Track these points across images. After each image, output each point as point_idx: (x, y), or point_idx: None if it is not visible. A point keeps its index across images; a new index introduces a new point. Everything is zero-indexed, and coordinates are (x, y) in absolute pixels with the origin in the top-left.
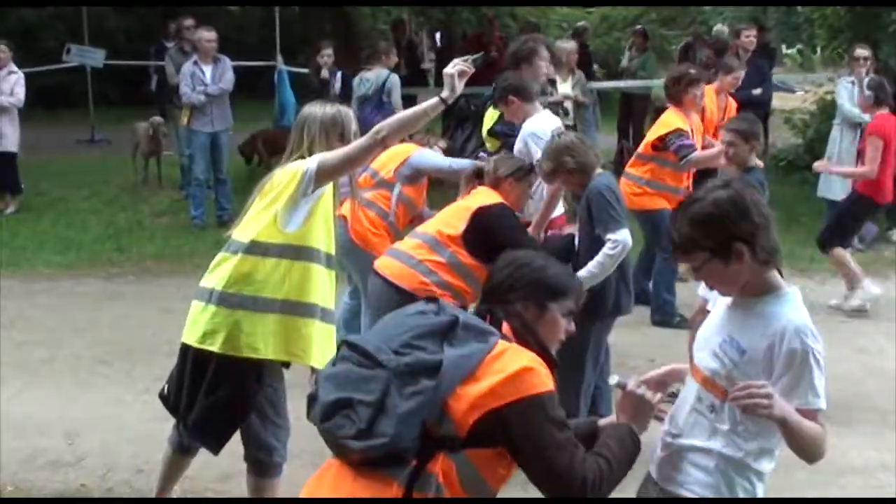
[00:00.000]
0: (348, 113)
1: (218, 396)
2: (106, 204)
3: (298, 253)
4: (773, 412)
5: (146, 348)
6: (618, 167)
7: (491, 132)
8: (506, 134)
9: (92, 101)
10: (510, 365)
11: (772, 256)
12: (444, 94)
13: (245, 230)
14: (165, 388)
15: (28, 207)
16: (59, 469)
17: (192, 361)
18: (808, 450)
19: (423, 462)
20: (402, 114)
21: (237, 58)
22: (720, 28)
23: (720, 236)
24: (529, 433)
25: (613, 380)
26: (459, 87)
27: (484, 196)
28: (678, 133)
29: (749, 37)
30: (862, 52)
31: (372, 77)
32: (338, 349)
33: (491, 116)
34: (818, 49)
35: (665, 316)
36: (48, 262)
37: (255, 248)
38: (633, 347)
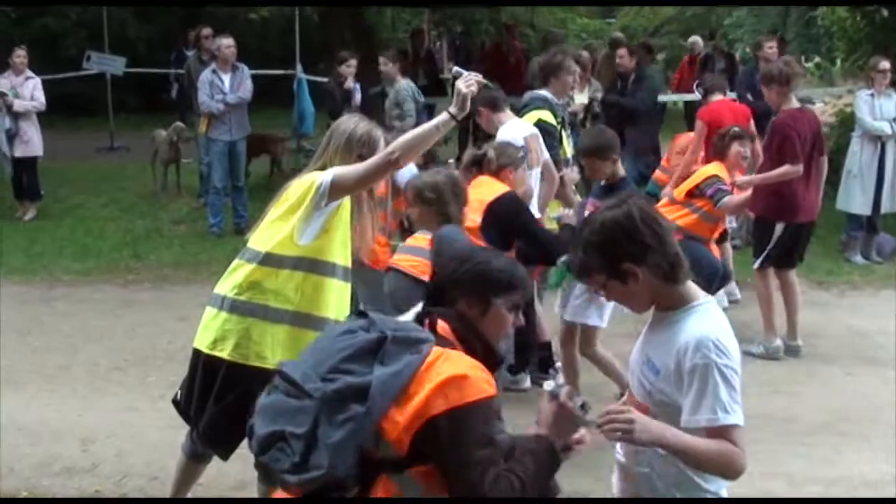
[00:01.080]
0: (379, 135)
1: (227, 402)
2: (124, 211)
3: (314, 266)
4: (636, 437)
5: (162, 355)
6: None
7: None
8: None
9: (111, 109)
10: (442, 374)
11: (672, 271)
12: (453, 109)
13: (261, 239)
14: (178, 394)
15: (47, 214)
16: (74, 475)
17: (203, 367)
18: (710, 469)
19: (365, 488)
20: (414, 132)
21: (257, 66)
22: (695, 39)
23: (609, 260)
24: (451, 446)
25: (549, 385)
26: (468, 104)
27: (491, 186)
28: (717, 178)
29: (772, 48)
30: (883, 64)
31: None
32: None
33: None
34: (837, 61)
35: None
36: (66, 268)
37: (270, 260)
38: None
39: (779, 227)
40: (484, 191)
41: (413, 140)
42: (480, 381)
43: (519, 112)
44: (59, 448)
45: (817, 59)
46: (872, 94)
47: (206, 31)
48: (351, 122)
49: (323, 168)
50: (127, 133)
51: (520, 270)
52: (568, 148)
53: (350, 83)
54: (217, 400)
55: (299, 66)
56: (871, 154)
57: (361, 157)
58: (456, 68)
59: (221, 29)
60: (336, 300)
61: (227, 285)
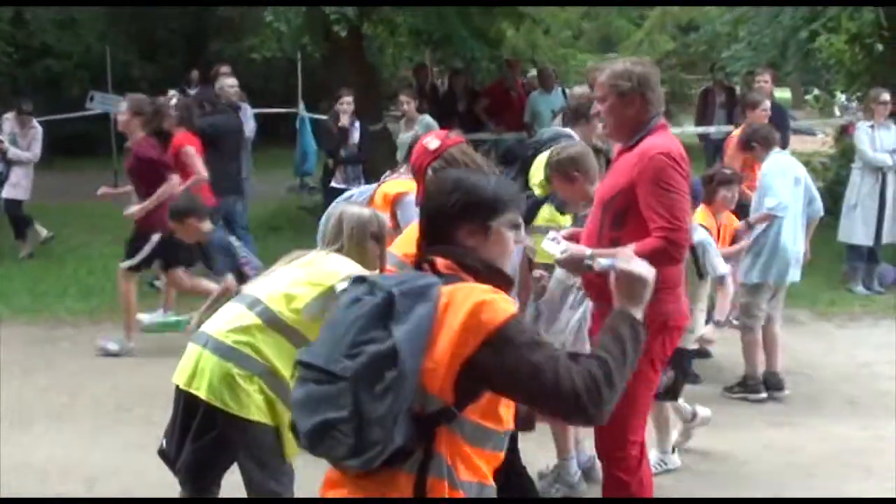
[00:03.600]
0: (381, 215)
1: (203, 443)
2: None
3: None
4: None
5: (166, 394)
6: None
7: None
8: None
9: (115, 148)
10: (461, 309)
11: None
12: None
13: (274, 298)
14: (164, 442)
15: (50, 254)
16: None
17: (183, 404)
18: None
19: (427, 446)
20: None
21: (260, 106)
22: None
23: None
24: (505, 369)
25: (598, 263)
26: None
27: (399, 183)
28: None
29: (766, 82)
30: (884, 96)
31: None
32: (295, 369)
33: None
34: (837, 94)
35: None
36: (70, 308)
37: (276, 321)
38: None
39: None
40: (390, 186)
41: None
42: (499, 301)
43: (540, 147)
44: (65, 487)
45: (816, 92)
46: (872, 126)
47: (225, 68)
48: (355, 209)
49: (341, 251)
50: None
51: (510, 187)
52: None
53: (346, 121)
54: (195, 439)
55: (302, 105)
56: (872, 185)
57: (377, 236)
58: None
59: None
60: None
61: (218, 326)
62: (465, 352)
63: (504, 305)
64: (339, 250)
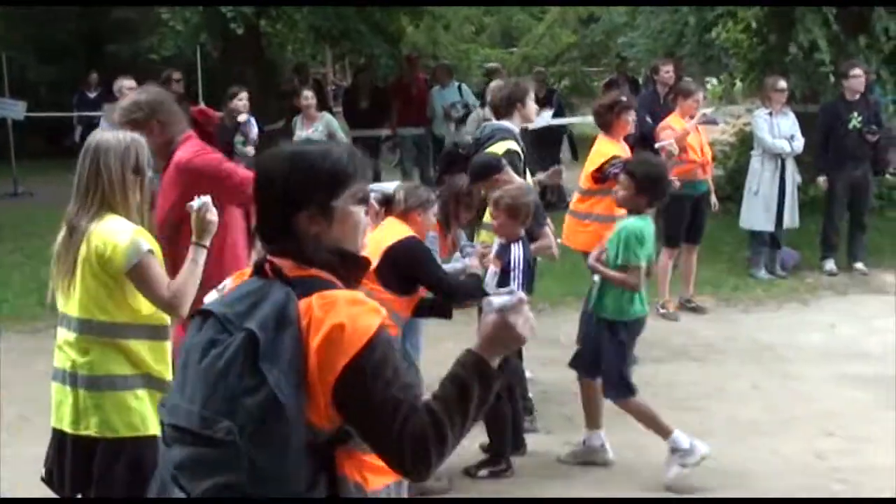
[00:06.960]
0: (142, 142)
1: (114, 479)
2: (30, 258)
3: (155, 332)
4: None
5: None
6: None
7: None
8: None
9: (14, 154)
10: (322, 329)
11: None
12: (196, 239)
13: (88, 308)
14: (51, 473)
15: None
16: None
17: (73, 448)
18: None
19: (330, 474)
20: (188, 276)
21: None
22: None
23: None
24: (353, 402)
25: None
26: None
27: (393, 230)
28: (616, 158)
29: (668, 72)
30: (781, 83)
31: None
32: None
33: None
34: (736, 81)
35: None
36: None
37: (113, 330)
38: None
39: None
40: (385, 234)
41: (188, 284)
42: (359, 318)
43: (483, 143)
44: None
45: (712, 83)
46: (770, 113)
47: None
48: (109, 137)
49: (104, 203)
50: (31, 178)
51: (350, 155)
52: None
53: (244, 117)
54: (101, 479)
55: (202, 104)
56: (772, 172)
57: (137, 169)
58: (190, 204)
59: (124, 70)
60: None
61: (74, 360)
62: (333, 376)
63: (364, 323)
64: (101, 204)
